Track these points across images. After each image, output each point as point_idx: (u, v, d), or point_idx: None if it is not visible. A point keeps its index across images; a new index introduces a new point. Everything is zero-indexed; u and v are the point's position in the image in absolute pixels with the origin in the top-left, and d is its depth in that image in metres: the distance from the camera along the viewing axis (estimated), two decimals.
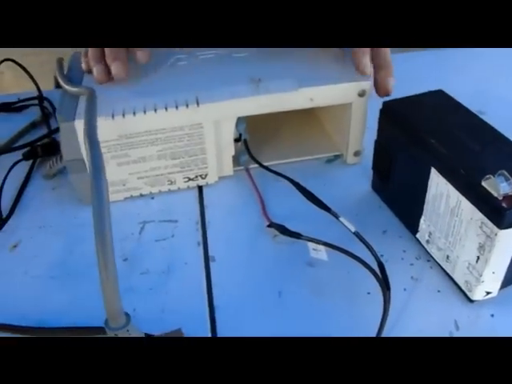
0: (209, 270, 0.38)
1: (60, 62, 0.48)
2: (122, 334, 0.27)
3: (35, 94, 0.55)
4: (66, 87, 0.41)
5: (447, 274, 0.36)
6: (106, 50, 0.42)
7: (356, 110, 0.42)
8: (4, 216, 0.43)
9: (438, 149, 0.34)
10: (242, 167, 0.45)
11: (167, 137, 0.40)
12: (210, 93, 0.40)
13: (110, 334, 0.27)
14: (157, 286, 0.37)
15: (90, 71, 0.43)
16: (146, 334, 0.31)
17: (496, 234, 0.30)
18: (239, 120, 0.41)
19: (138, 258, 0.39)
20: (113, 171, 0.41)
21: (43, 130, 0.52)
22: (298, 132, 0.47)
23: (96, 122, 0.35)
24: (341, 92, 0.41)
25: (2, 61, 0.54)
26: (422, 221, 0.37)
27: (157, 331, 0.33)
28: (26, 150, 0.47)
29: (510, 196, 0.30)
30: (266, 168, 0.43)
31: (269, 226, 0.39)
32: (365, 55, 0.41)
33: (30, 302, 0.37)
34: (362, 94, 0.41)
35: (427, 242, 0.38)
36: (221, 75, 0.42)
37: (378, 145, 0.41)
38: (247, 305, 0.35)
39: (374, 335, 0.33)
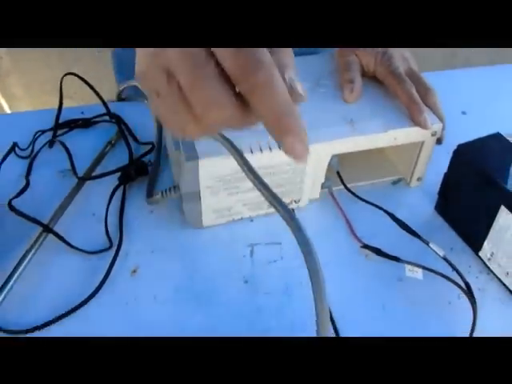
0: None
1: None
2: None
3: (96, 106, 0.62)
4: None
5: (506, 287, 0.51)
6: None
7: (426, 146, 0.55)
8: (114, 242, 0.51)
9: (509, 191, 0.48)
10: (325, 189, 0.56)
11: (276, 171, 0.50)
12: (315, 133, 0.50)
13: None
14: (283, 305, 0.48)
15: None
16: None
17: None
18: (334, 154, 0.52)
19: (258, 279, 0.50)
20: (222, 200, 0.51)
21: (121, 148, 0.59)
22: (364, 158, 0.59)
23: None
24: (419, 133, 0.53)
25: (65, 75, 0.60)
26: (486, 243, 0.51)
27: None
28: (119, 175, 0.55)
29: None
30: (359, 197, 0.54)
31: (363, 247, 0.52)
32: (421, 112, 0.52)
33: (167, 325, 0.46)
34: (433, 134, 0.54)
35: (489, 259, 0.52)
36: (316, 114, 0.52)
37: (448, 177, 0.54)
38: (360, 316, 0.48)
39: (461, 335, 0.46)
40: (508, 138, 0.54)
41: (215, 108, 0.30)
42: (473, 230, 0.53)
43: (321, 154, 0.51)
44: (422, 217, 0.56)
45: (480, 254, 0.52)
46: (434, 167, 0.56)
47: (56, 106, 0.61)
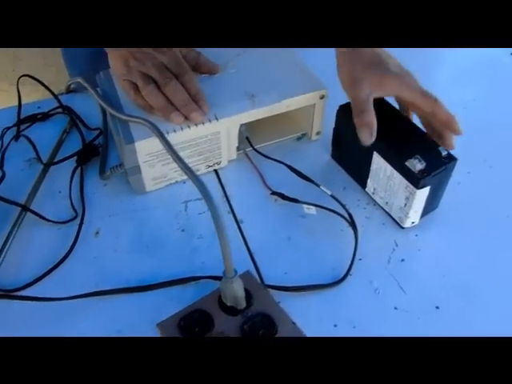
0: (241, 230, 0.67)
1: (91, 82, 0.71)
2: (235, 280, 0.56)
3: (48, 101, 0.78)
4: (121, 116, 0.66)
5: (387, 213, 0.69)
6: (177, 101, 0.65)
7: (318, 107, 0.72)
8: (79, 212, 0.68)
9: (379, 141, 0.64)
10: (241, 151, 0.73)
11: (196, 143, 0.68)
12: (223, 110, 0.67)
13: (228, 281, 0.56)
14: (212, 245, 0.66)
15: (148, 107, 0.67)
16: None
17: (415, 192, 0.62)
18: (241, 124, 0.69)
19: (192, 227, 0.67)
20: (158, 170, 0.68)
21: (75, 135, 0.76)
22: (272, 120, 0.74)
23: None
24: (308, 98, 0.70)
25: (21, 76, 0.75)
26: (369, 181, 0.69)
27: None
28: (75, 158, 0.71)
29: (422, 170, 0.61)
30: (266, 156, 0.72)
31: (272, 193, 0.69)
32: (450, 136, 0.66)
33: (126, 270, 0.64)
34: (322, 97, 0.71)
35: (373, 193, 0.69)
36: (225, 92, 0.69)
37: (336, 131, 0.71)
38: (271, 247, 0.65)
39: (350, 256, 0.64)
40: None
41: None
42: (359, 172, 0.70)
43: (229, 125, 0.68)
44: (322, 164, 0.74)
45: (366, 189, 0.70)
46: (332, 122, 0.72)
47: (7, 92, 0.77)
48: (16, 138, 0.75)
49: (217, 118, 0.67)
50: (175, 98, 0.66)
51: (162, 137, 0.62)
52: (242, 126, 0.70)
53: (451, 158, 0.63)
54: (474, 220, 0.69)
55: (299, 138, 0.77)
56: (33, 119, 0.76)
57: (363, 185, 0.70)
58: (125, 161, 0.66)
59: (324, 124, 0.75)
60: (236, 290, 0.56)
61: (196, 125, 0.66)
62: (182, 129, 0.66)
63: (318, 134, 0.76)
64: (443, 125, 0.66)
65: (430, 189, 0.63)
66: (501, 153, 0.77)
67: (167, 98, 0.66)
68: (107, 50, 0.71)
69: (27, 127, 0.77)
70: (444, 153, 0.63)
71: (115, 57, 0.69)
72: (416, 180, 0.61)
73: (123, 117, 0.66)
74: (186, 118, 0.66)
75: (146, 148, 0.65)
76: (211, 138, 0.68)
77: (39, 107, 0.79)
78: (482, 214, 0.70)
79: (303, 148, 0.76)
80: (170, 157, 0.67)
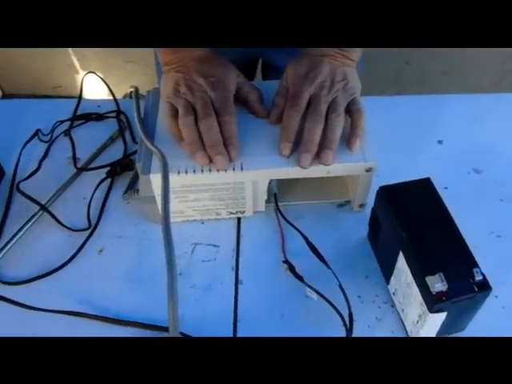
0: (237, 291, 0.63)
1: (137, 95, 0.71)
2: None
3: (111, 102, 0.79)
4: (146, 142, 0.64)
5: (401, 320, 0.61)
6: (207, 139, 0.63)
7: (363, 179, 0.65)
8: (93, 225, 0.69)
9: (407, 241, 0.56)
10: (271, 204, 0.69)
11: (217, 188, 0.65)
12: (253, 160, 0.63)
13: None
14: (200, 299, 0.63)
15: (179, 138, 0.65)
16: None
17: (428, 314, 0.54)
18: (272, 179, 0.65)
19: (189, 273, 0.65)
20: (174, 205, 0.66)
21: (120, 144, 0.76)
22: (316, 178, 0.67)
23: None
24: (352, 168, 0.64)
25: (86, 73, 0.77)
26: (392, 278, 0.61)
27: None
28: (108, 169, 0.72)
29: (440, 292, 0.53)
30: (288, 222, 0.67)
31: (284, 261, 0.65)
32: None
33: (111, 298, 0.64)
34: (368, 170, 0.64)
35: (393, 293, 0.62)
36: (263, 141, 0.65)
37: (374, 212, 0.64)
38: (260, 320, 0.61)
39: None
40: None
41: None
42: (386, 265, 0.63)
43: (256, 178, 0.64)
44: (355, 241, 0.67)
45: (389, 287, 0.63)
46: None
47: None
48: (66, 133, 0.77)
49: (242, 168, 0.63)
50: (207, 134, 0.63)
51: (164, 177, 0.60)
52: (272, 180, 0.65)
53: (484, 287, 0.54)
54: None
55: (341, 205, 0.71)
56: (87, 118, 0.78)
57: (387, 280, 0.63)
58: (140, 189, 0.65)
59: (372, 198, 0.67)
60: None
61: (218, 170, 0.63)
62: (202, 171, 0.63)
63: (361, 206, 0.69)
64: None
65: (449, 314, 0.55)
66: None
67: (200, 133, 0.64)
68: (164, 70, 0.70)
69: (80, 124, 0.78)
70: (478, 277, 0.54)
71: (168, 79, 0.68)
72: (431, 302, 0.53)
73: (146, 142, 0.64)
74: (211, 160, 0.63)
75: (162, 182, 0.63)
76: (234, 187, 0.65)
77: (99, 106, 0.80)
78: None
79: (343, 217, 0.70)
80: (186, 196, 0.66)
